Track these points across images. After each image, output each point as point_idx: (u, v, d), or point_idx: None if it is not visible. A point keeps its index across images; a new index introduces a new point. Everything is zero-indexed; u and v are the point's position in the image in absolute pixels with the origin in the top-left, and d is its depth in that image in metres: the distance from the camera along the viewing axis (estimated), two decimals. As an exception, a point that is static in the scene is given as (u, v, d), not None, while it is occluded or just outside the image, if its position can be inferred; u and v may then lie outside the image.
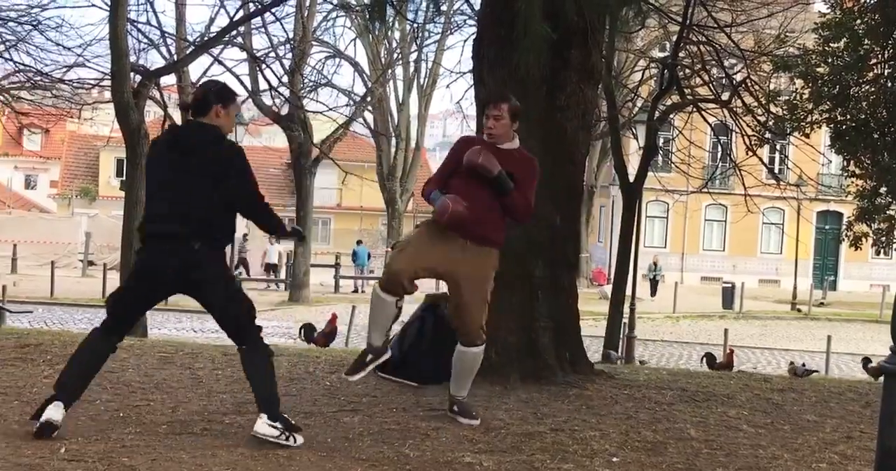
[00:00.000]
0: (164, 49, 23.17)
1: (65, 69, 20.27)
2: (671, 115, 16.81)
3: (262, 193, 5.06)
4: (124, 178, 15.34)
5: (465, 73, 25.53)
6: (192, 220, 4.77)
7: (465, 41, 45.74)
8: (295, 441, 4.80)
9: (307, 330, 13.28)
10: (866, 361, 13.48)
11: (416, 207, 48.25)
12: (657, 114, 15.38)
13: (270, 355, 4.97)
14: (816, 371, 13.55)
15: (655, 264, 35.34)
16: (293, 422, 4.98)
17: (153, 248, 4.88)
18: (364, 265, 35.23)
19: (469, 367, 5.56)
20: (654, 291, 34.46)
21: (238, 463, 4.42)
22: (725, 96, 15.01)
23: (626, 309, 17.35)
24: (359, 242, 36.33)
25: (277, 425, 4.79)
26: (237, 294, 5.00)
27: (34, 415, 4.81)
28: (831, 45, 12.64)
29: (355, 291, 32.42)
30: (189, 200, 4.78)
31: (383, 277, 5.44)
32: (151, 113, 38.12)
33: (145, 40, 18.86)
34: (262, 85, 23.97)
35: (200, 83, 5.15)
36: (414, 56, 35.78)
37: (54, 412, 4.71)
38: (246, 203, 4.94)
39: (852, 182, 14.09)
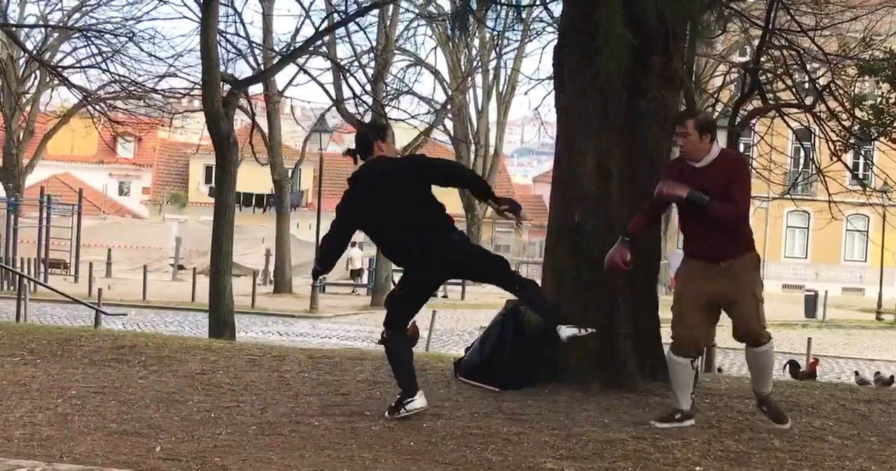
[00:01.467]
0: (251, 59, 23.73)
1: (157, 79, 20.98)
2: (752, 121, 16.55)
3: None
4: (213, 184, 15.66)
5: (543, 80, 25.44)
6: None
7: (543, 48, 45.67)
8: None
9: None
10: None
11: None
12: (738, 119, 15.14)
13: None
14: (888, 377, 13.18)
15: None
16: None
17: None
18: None
19: (763, 364, 5.83)
20: None
21: (325, 464, 4.54)
22: (809, 101, 14.72)
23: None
24: None
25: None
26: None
27: (392, 411, 5.53)
28: (919, 48, 12.33)
29: (435, 295, 32.49)
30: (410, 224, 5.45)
31: (673, 341, 5.79)
32: (239, 121, 38.95)
33: (234, 50, 19.41)
34: (346, 93, 24.33)
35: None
36: (493, 64, 35.92)
37: (421, 400, 5.53)
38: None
39: (940, 188, 13.70)
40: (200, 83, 14.40)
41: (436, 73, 32.73)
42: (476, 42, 34.63)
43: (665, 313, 7.85)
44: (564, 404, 6.22)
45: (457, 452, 4.91)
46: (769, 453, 5.22)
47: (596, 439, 5.31)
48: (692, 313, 5.70)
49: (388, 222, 5.46)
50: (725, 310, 5.75)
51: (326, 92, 25.47)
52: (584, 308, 6.93)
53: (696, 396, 6.87)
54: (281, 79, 28.46)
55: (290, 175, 32.85)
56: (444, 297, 32.21)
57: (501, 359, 6.53)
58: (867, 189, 17.76)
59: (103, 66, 20.15)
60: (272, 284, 31.21)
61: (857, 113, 14.18)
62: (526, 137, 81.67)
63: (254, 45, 23.25)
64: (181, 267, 34.85)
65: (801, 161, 23.80)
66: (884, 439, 5.78)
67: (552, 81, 7.78)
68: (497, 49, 33.14)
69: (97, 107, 22.54)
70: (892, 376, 13.02)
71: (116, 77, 20.88)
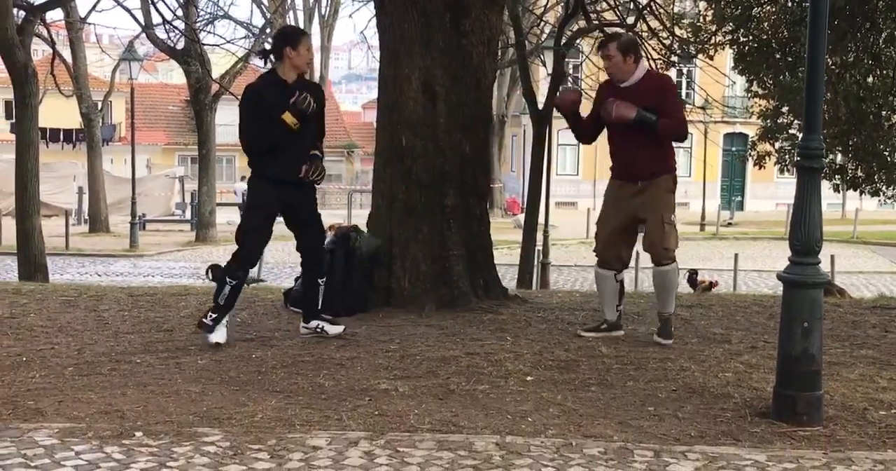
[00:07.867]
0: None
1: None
2: (578, 41, 16.78)
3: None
4: (14, 120, 14.59)
5: (368, 2, 24.94)
6: None
7: (368, -31, 44.64)
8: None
9: (214, 271, 13.16)
10: None
11: (326, 141, 47.32)
12: (564, 39, 15.32)
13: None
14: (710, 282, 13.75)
15: None
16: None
17: None
18: None
19: (661, 284, 5.96)
20: None
21: (149, 400, 4.36)
22: (631, 20, 15.01)
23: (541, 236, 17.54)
24: None
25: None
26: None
27: None
28: (732, -34, 12.66)
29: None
30: None
31: (596, 256, 6.05)
32: (40, 51, 36.23)
33: (24, -28, 17.96)
34: (156, 19, 23.17)
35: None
36: (314, -16, 34.87)
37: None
38: None
39: (756, 103, 14.29)
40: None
41: (253, -6, 31.54)
42: (295, -38, 33.41)
43: (499, 236, 7.93)
44: (398, 327, 6.19)
45: (288, 379, 4.81)
46: (597, 360, 5.38)
47: (430, 358, 5.31)
48: (609, 231, 5.97)
49: None
50: (645, 230, 5.95)
51: (134, 18, 24.19)
52: (415, 232, 6.90)
53: (533, 310, 7.02)
54: (83, 4, 26.84)
55: (99, 108, 31.41)
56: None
57: (331, 286, 6.42)
58: (688, 106, 18.42)
59: None
60: (87, 223, 29.97)
61: (677, 31, 14.59)
62: (353, 62, 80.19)
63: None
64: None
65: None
66: (703, 341, 6.04)
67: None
68: (318, -32, 32.05)
69: None
70: (710, 282, 13.66)
71: None
